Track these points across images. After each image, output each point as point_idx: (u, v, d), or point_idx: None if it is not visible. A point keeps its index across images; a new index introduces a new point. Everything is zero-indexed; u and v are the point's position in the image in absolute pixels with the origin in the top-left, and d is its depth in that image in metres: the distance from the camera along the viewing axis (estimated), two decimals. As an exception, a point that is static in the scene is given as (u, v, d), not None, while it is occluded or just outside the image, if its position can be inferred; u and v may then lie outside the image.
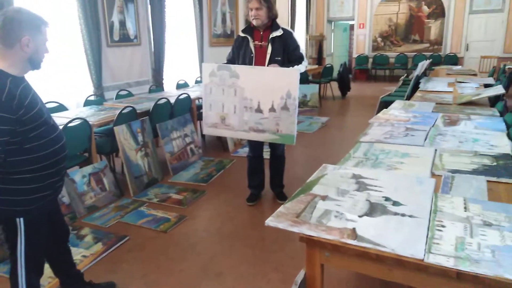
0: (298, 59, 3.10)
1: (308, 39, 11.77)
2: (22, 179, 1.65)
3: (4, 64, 1.57)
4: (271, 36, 3.02)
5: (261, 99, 2.92)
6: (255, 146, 3.31)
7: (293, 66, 3.00)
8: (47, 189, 1.74)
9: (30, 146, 1.63)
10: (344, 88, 9.04)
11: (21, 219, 1.68)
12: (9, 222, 1.69)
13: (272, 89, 2.86)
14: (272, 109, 2.90)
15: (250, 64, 3.05)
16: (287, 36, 3.06)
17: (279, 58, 3.03)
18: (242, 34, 3.12)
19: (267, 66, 3.00)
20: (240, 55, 3.13)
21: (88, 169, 3.38)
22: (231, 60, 3.19)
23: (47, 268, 1.92)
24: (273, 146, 3.30)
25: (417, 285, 1.24)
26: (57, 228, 1.95)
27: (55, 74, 4.35)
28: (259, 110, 2.94)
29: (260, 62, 3.04)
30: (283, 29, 3.06)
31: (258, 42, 3.07)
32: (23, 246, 1.69)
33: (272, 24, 3.05)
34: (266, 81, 2.87)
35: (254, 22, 3.00)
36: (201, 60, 6.75)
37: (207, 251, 2.67)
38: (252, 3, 2.96)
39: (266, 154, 3.42)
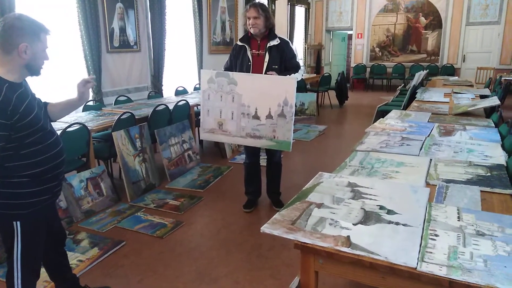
0: (295, 68, 3.15)
1: (306, 48, 11.87)
2: (20, 183, 1.66)
3: (2, 70, 1.58)
4: (268, 45, 3.06)
5: (258, 106, 2.95)
6: (252, 153, 3.33)
7: (290, 74, 3.04)
8: (45, 194, 1.74)
9: (26, 151, 1.64)
10: (342, 97, 9.09)
11: (18, 222, 1.68)
12: (6, 225, 1.69)
13: (269, 96, 2.89)
14: (269, 116, 2.93)
15: (248, 72, 3.09)
16: (284, 45, 3.11)
17: (276, 67, 3.07)
18: (239, 43, 3.16)
19: (265, 74, 3.04)
20: (238, 63, 3.16)
21: (85, 173, 3.39)
22: (229, 68, 3.22)
23: (43, 272, 1.91)
24: (270, 153, 3.32)
25: (410, 293, 1.26)
26: (54, 231, 1.95)
27: (55, 78, 4.37)
28: (256, 117, 2.97)
29: (257, 70, 3.08)
30: (280, 38, 3.10)
31: (256, 51, 3.11)
32: (20, 249, 1.69)
33: (269, 33, 3.10)
34: (264, 88, 2.91)
35: (252, 31, 3.04)
36: (200, 67, 6.79)
37: (204, 257, 2.68)
38: (250, 12, 3.01)
39: (263, 161, 3.44)
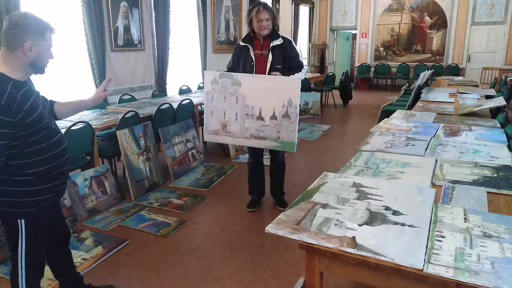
0: (298, 67, 3.13)
1: (310, 48, 11.84)
2: (24, 181, 1.66)
3: (7, 68, 1.58)
4: (271, 44, 3.04)
5: (262, 106, 2.94)
6: (255, 153, 3.32)
7: (293, 74, 3.02)
8: (49, 192, 1.75)
9: (31, 150, 1.64)
10: (346, 96, 9.06)
11: (23, 220, 1.69)
12: (11, 223, 1.70)
13: (273, 97, 2.88)
14: (273, 117, 2.92)
15: (251, 72, 3.07)
16: (287, 45, 3.09)
17: (280, 67, 3.05)
18: (242, 43, 3.14)
19: (268, 74, 3.03)
20: (241, 63, 3.14)
21: (90, 172, 3.40)
22: (231, 69, 3.21)
23: (46, 270, 1.92)
24: (273, 152, 3.31)
25: (416, 295, 1.24)
26: (58, 230, 1.96)
27: (59, 77, 4.38)
28: (260, 118, 2.96)
29: (260, 70, 3.06)
30: (282, 37, 3.08)
31: (259, 51, 3.09)
32: (24, 247, 1.70)
33: (272, 32, 3.08)
34: (268, 89, 2.89)
35: (263, 32, 3.02)
36: (204, 66, 6.80)
37: (207, 257, 2.67)
38: (263, 14, 2.96)
39: (267, 161, 3.43)
